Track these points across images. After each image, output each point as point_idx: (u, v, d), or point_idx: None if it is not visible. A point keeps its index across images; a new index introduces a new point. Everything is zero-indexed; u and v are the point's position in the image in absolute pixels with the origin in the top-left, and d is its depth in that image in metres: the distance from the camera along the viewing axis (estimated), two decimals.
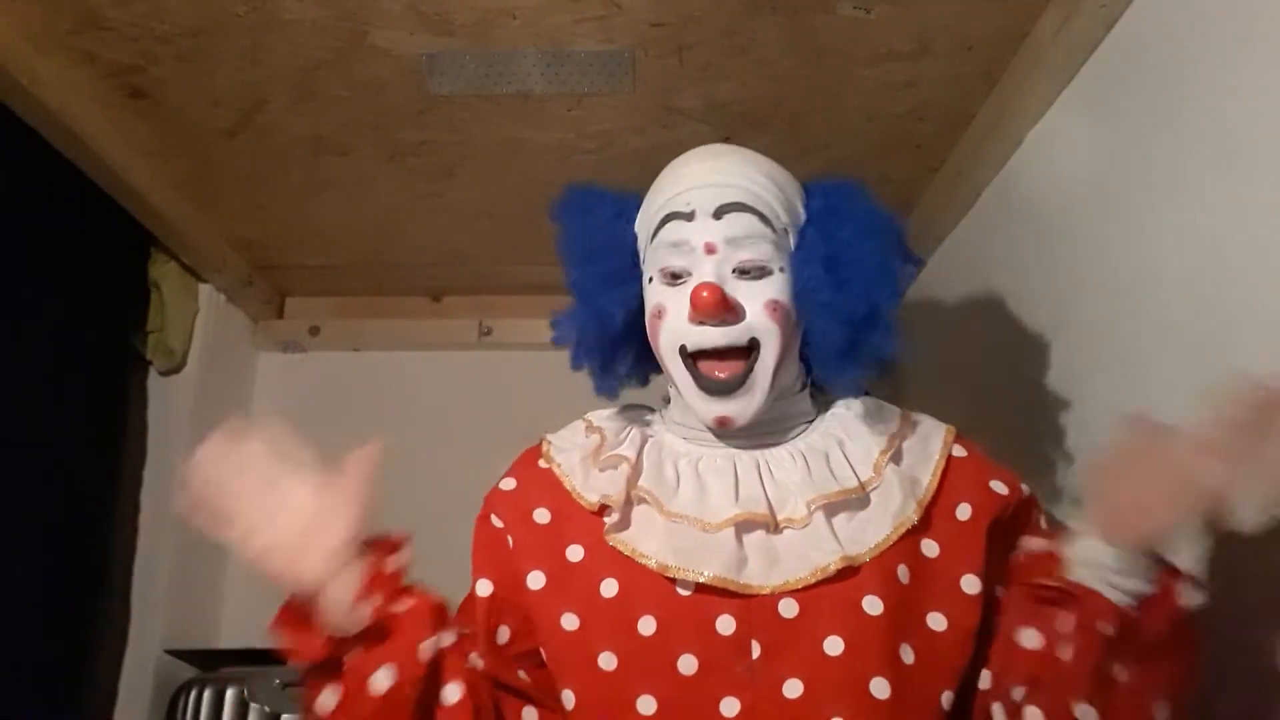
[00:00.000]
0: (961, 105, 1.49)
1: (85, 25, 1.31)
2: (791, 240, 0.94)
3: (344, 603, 0.81)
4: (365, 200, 1.80)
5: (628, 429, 0.99)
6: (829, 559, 0.86)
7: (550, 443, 1.01)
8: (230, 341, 2.08)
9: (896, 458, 0.93)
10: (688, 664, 0.84)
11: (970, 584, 0.88)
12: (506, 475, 1.01)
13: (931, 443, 0.96)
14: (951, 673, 0.86)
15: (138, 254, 1.85)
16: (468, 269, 2.09)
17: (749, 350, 0.91)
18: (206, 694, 1.59)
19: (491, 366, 2.18)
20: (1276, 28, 0.92)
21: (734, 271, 0.91)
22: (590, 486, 0.94)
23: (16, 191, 1.47)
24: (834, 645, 0.84)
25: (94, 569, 1.66)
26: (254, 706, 1.58)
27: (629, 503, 0.91)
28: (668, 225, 0.93)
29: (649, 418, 1.02)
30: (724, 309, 0.89)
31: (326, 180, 1.73)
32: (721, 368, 0.91)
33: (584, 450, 0.97)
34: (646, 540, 0.89)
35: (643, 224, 0.99)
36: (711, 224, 0.91)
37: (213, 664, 1.68)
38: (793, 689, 0.83)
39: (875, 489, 0.91)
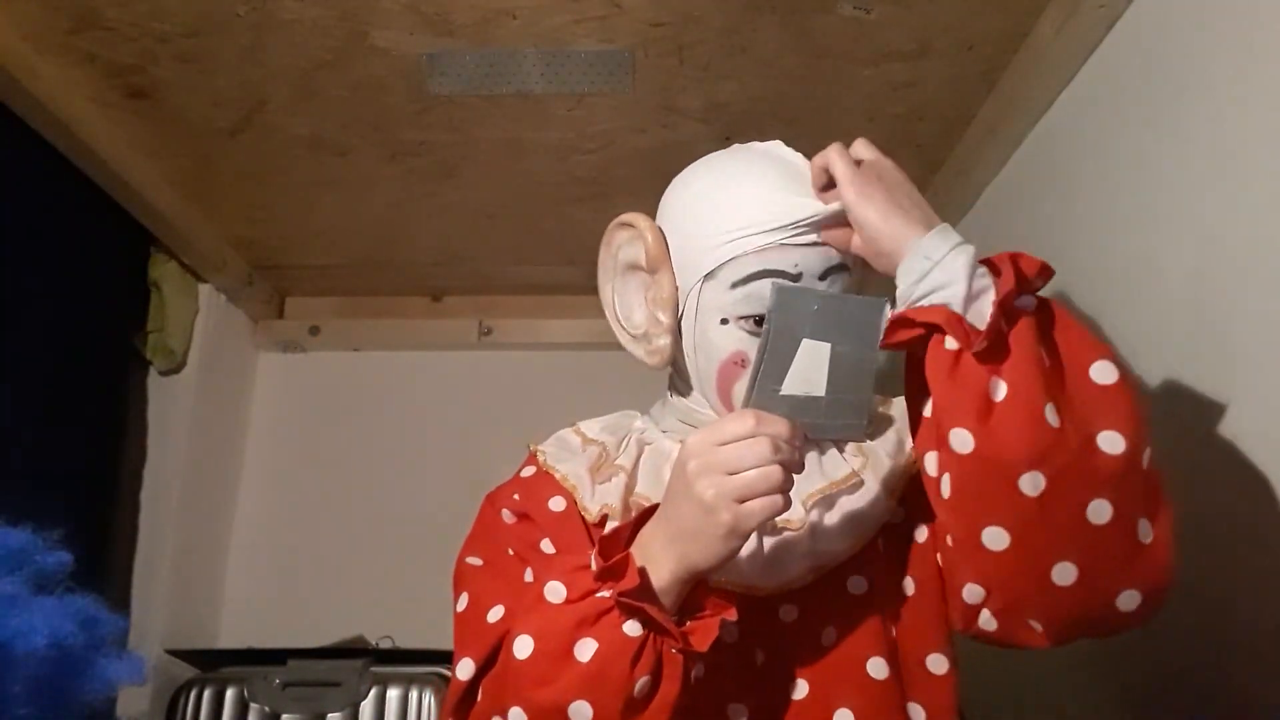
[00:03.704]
0: (961, 105, 1.49)
1: (85, 25, 1.31)
2: None
3: None
4: (365, 200, 1.80)
5: (626, 439, 0.97)
6: (819, 558, 0.87)
7: (544, 452, 0.99)
8: (230, 341, 2.08)
9: (875, 436, 0.93)
10: (695, 669, 0.85)
11: (921, 533, 0.88)
12: (514, 476, 1.00)
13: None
14: (935, 635, 0.86)
15: (138, 254, 1.85)
16: (468, 269, 2.09)
17: None
18: (206, 694, 1.59)
19: (491, 366, 2.19)
20: (1277, 27, 0.92)
21: None
22: (594, 499, 0.92)
23: (16, 191, 1.47)
24: (829, 636, 0.85)
25: (94, 569, 1.66)
26: (254, 706, 1.58)
27: (628, 511, 0.91)
28: (758, 279, 0.83)
29: (640, 424, 1.00)
30: None
31: (326, 180, 1.73)
32: None
33: (588, 462, 0.96)
34: None
35: (707, 246, 0.86)
36: (816, 285, 0.83)
37: (213, 664, 1.68)
38: (799, 690, 0.84)
39: (868, 470, 0.91)
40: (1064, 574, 0.70)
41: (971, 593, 0.76)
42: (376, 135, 1.59)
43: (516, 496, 0.96)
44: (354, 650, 1.83)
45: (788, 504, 0.71)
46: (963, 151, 1.58)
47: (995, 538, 0.71)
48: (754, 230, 0.83)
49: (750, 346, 0.84)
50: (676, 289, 0.89)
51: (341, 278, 2.14)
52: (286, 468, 2.12)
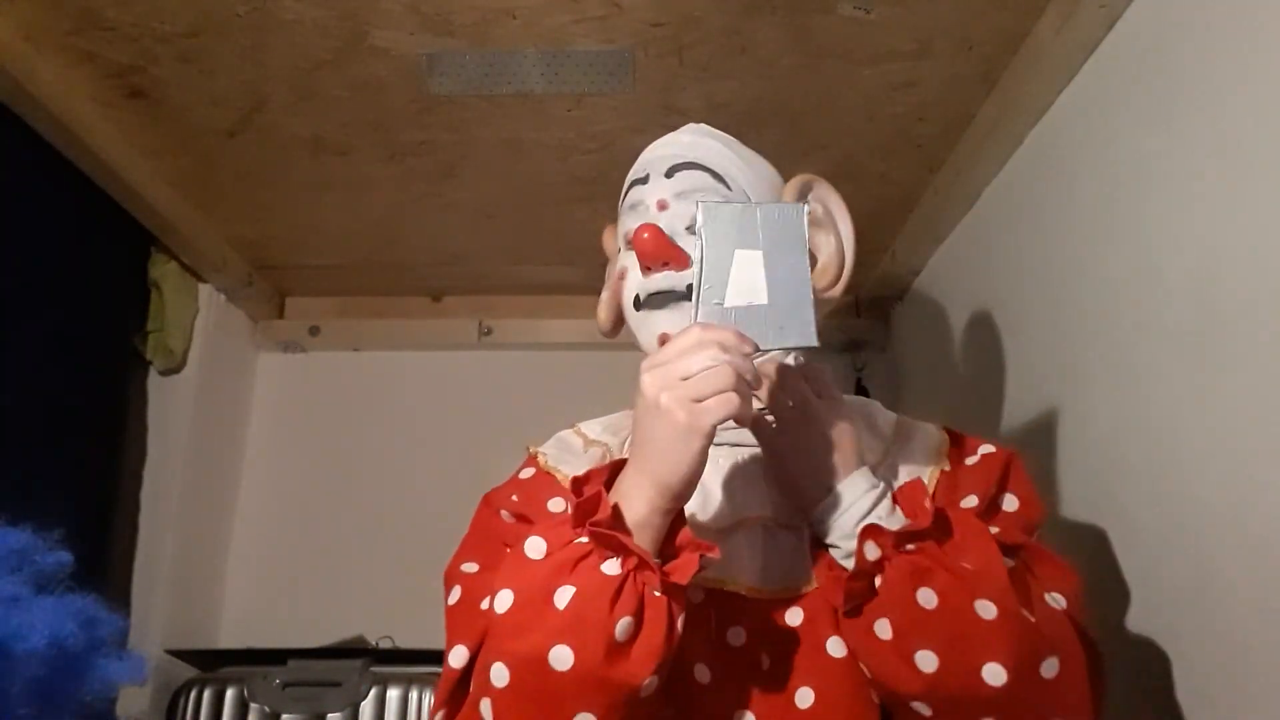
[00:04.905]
0: (961, 105, 1.49)
1: (85, 25, 1.31)
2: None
3: None
4: (365, 200, 1.80)
5: (627, 439, 0.96)
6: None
7: (544, 454, 0.99)
8: (230, 341, 2.08)
9: (891, 470, 0.92)
10: (701, 673, 0.84)
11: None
12: (512, 477, 0.99)
13: (927, 452, 0.94)
14: None
15: (138, 254, 1.85)
16: (468, 269, 2.09)
17: None
18: (206, 694, 1.59)
19: (491, 366, 2.19)
20: (1277, 28, 0.92)
21: (686, 228, 0.91)
22: None
23: (16, 191, 1.47)
24: (837, 647, 0.84)
25: (94, 569, 1.66)
26: (254, 706, 1.58)
27: None
28: (629, 192, 0.97)
29: None
30: (665, 251, 0.89)
31: (326, 180, 1.73)
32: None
33: (590, 463, 0.95)
34: None
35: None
36: (663, 182, 0.94)
37: (213, 664, 1.68)
38: (804, 699, 0.83)
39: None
40: None
41: None
42: (376, 135, 1.59)
43: (515, 498, 0.95)
44: (354, 650, 1.83)
45: (747, 406, 0.73)
46: (963, 151, 1.58)
47: (920, 710, 0.77)
48: (633, 173, 0.97)
49: (628, 260, 0.94)
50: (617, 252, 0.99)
51: (341, 278, 2.14)
52: (286, 468, 2.12)
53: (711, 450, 0.90)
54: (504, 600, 0.74)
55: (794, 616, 0.86)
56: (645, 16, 1.31)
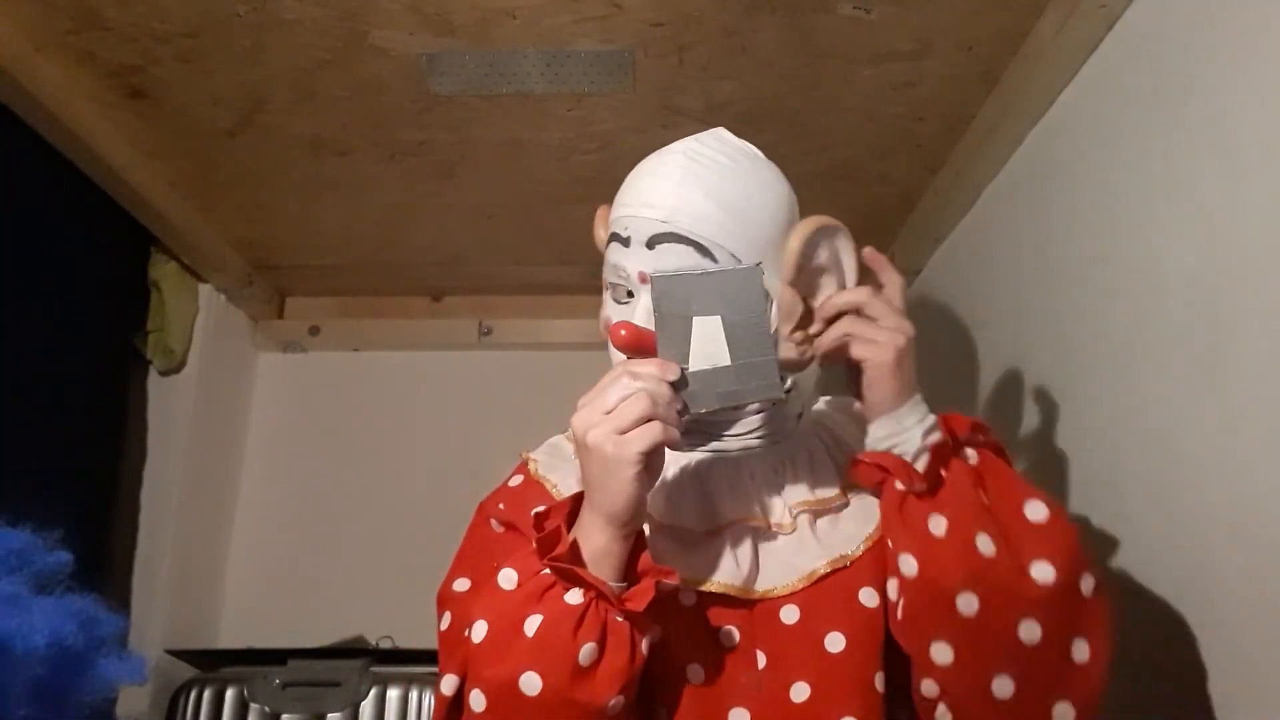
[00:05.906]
0: (961, 105, 1.49)
1: (85, 25, 1.31)
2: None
3: None
4: (365, 200, 1.80)
5: None
6: (817, 564, 0.87)
7: (535, 460, 0.99)
8: (230, 341, 2.08)
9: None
10: (695, 673, 0.85)
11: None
12: (502, 485, 1.00)
13: None
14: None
15: (138, 254, 1.85)
16: (468, 269, 2.09)
17: None
18: (206, 694, 1.59)
19: (491, 366, 2.19)
20: (1277, 27, 0.92)
21: None
22: None
23: (16, 191, 1.48)
24: (835, 642, 0.84)
25: (94, 569, 1.66)
26: (254, 706, 1.58)
27: None
28: (611, 245, 0.92)
29: None
30: (639, 349, 0.86)
31: (326, 180, 1.73)
32: None
33: (579, 470, 0.96)
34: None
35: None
36: (644, 254, 0.87)
37: (213, 664, 1.68)
38: (800, 693, 0.83)
39: (855, 493, 0.91)
40: (1003, 688, 0.79)
41: (928, 689, 0.83)
42: (376, 135, 1.59)
43: (502, 506, 0.96)
44: (354, 650, 1.83)
45: (672, 430, 0.75)
46: (963, 151, 1.58)
47: (941, 652, 0.80)
48: (618, 207, 0.92)
49: (617, 313, 0.91)
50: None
51: (341, 278, 2.14)
52: (286, 468, 2.12)
53: (697, 454, 0.92)
54: (480, 630, 0.78)
55: (790, 614, 0.86)
56: (645, 16, 1.31)
